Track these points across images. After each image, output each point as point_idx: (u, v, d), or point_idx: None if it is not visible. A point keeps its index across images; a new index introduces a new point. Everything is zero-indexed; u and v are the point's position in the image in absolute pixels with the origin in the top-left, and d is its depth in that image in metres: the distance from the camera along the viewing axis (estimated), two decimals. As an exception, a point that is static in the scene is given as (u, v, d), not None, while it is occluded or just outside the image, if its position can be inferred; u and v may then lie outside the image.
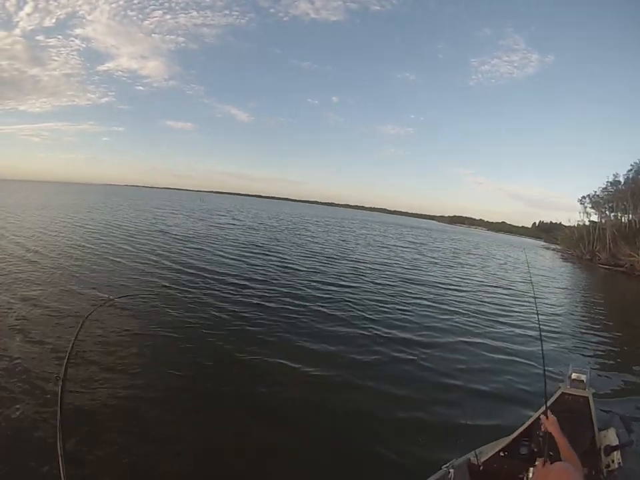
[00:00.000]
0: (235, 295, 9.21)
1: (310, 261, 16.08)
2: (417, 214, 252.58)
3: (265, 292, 9.78)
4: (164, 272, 10.90)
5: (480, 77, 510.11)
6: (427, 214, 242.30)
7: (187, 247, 16.07)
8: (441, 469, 2.57)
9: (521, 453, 2.59)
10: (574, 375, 2.99)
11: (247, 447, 3.75)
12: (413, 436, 4.20)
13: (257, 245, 19.03)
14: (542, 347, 2.85)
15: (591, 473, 2.54)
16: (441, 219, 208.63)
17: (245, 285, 10.35)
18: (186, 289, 9.30)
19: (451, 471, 2.51)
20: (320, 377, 5.41)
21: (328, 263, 15.91)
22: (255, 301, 8.77)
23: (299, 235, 28.80)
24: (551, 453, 2.13)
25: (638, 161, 40.25)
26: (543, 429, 2.27)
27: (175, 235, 19.94)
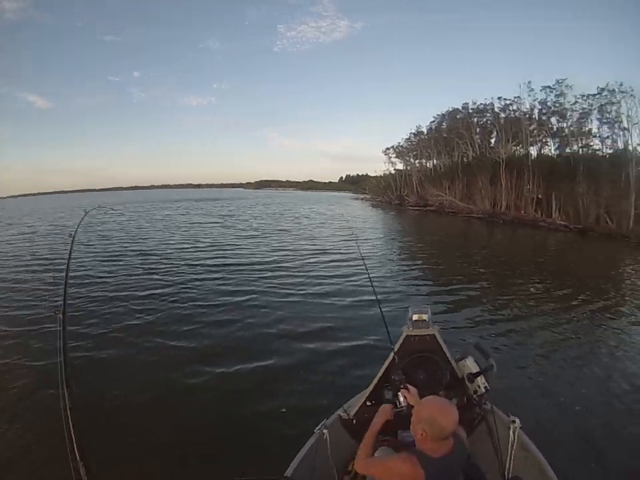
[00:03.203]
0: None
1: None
2: (224, 184, 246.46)
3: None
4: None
5: (285, 42, 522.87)
6: (235, 183, 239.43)
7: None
8: (314, 432, 2.56)
9: (386, 397, 2.59)
10: (415, 317, 2.88)
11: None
12: (275, 409, 4.11)
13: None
14: (374, 290, 3.75)
15: (462, 401, 2.70)
16: (248, 185, 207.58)
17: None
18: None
19: (325, 431, 2.55)
20: (170, 369, 4.95)
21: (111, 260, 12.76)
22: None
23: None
24: None
25: (439, 113, 43.44)
26: (405, 403, 2.31)
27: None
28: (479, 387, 2.62)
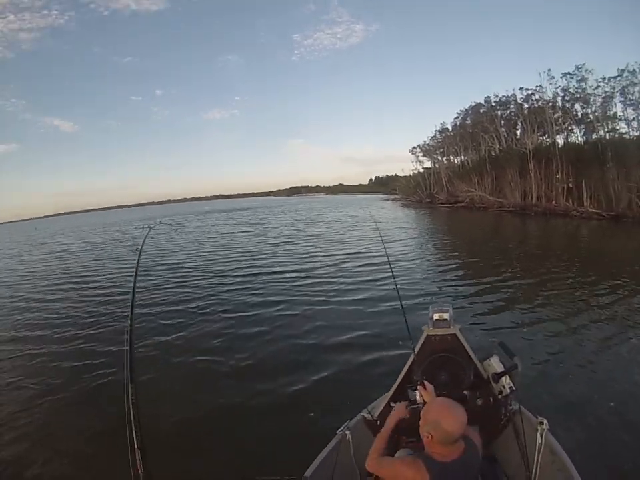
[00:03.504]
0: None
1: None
2: (255, 193, 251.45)
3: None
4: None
5: (303, 51, 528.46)
6: (265, 191, 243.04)
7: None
8: (336, 433, 2.56)
9: (410, 399, 2.51)
10: (435, 316, 2.86)
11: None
12: (303, 411, 4.25)
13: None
14: (398, 293, 3.51)
15: (487, 401, 2.65)
16: (279, 192, 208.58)
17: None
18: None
19: (347, 432, 2.55)
20: (201, 369, 5.55)
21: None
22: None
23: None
24: None
25: (463, 109, 43.48)
26: (420, 400, 2.35)
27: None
28: (504, 387, 2.57)
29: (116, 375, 4.93)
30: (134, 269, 3.04)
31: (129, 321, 2.32)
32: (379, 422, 2.68)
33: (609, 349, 5.51)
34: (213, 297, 9.27)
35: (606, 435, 3.60)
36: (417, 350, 2.79)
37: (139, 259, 3.13)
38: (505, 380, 2.57)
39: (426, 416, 1.69)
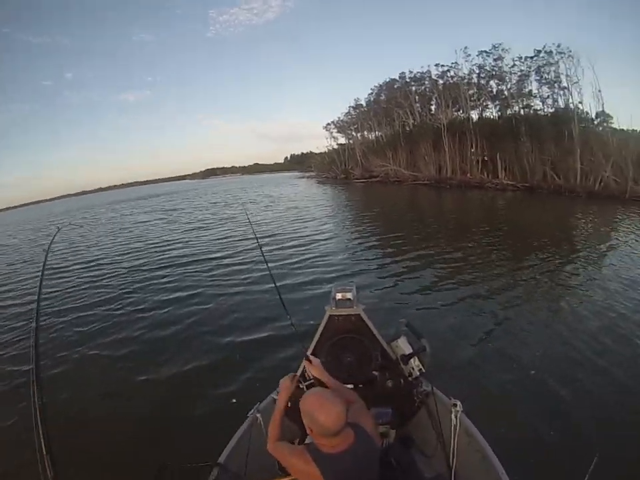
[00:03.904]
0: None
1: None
2: (170, 177, 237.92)
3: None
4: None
5: (218, 27, 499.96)
6: (181, 175, 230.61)
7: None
8: (247, 417, 2.52)
9: (320, 382, 2.21)
10: (338, 295, 2.77)
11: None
12: (214, 398, 4.20)
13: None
14: (273, 281, 2.84)
15: (398, 383, 2.62)
16: (194, 175, 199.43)
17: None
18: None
19: (258, 415, 2.50)
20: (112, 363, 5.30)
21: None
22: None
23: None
24: None
25: (377, 85, 43.06)
26: (309, 376, 2.18)
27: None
28: (413, 369, 2.54)
29: (20, 379, 4.75)
30: (39, 272, 2.48)
31: (33, 324, 1.92)
32: (288, 403, 2.27)
33: (525, 324, 5.39)
34: (126, 295, 8.62)
35: (518, 415, 3.50)
36: (320, 330, 2.71)
37: (44, 264, 2.63)
38: (414, 362, 2.53)
39: (302, 409, 1.58)
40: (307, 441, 1.94)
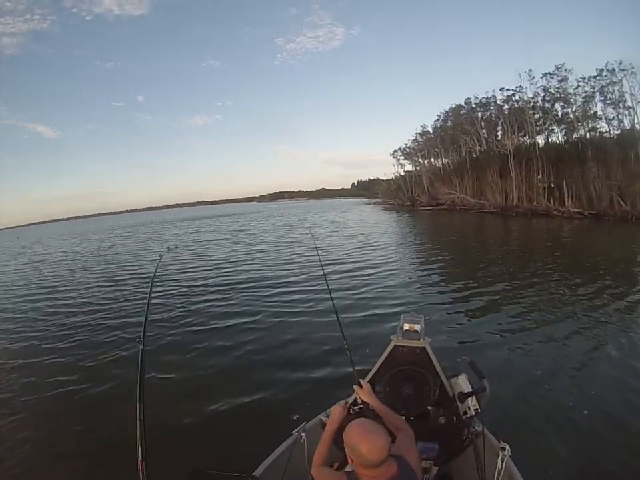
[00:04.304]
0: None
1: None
2: (237, 199, 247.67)
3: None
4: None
5: (285, 55, 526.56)
6: (248, 197, 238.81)
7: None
8: (291, 434, 2.53)
9: (370, 408, 2.20)
10: (406, 326, 2.74)
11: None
12: (264, 413, 4.32)
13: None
14: (334, 305, 3.08)
15: (451, 420, 2.56)
16: (262, 198, 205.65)
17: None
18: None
19: (302, 434, 2.50)
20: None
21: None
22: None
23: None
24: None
25: (443, 111, 43.63)
26: (359, 400, 2.25)
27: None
28: (469, 407, 2.48)
29: (125, 390, 4.96)
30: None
31: (141, 336, 2.13)
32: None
33: (591, 365, 5.09)
34: (182, 316, 8.81)
35: (570, 469, 3.28)
36: (382, 359, 2.73)
37: (151, 287, 2.99)
38: (471, 401, 2.48)
39: (345, 438, 1.60)
40: (347, 468, 1.90)
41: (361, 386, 2.18)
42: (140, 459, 1.44)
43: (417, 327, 2.72)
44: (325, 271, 5.54)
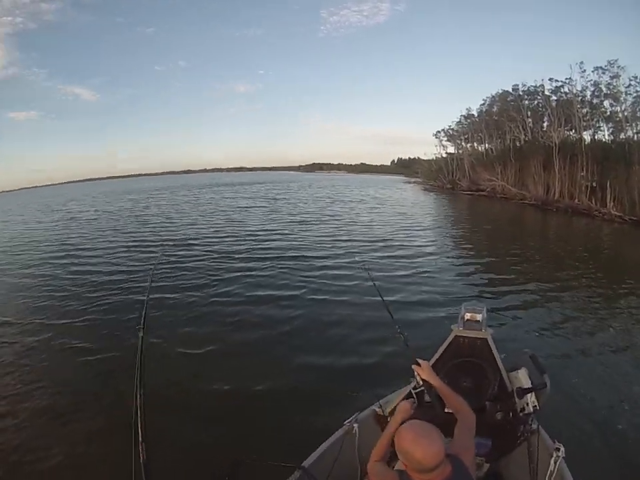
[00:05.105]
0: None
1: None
2: (275, 167, 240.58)
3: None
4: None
5: (329, 27, 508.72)
6: (287, 165, 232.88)
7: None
8: (343, 424, 2.51)
9: (426, 400, 2.35)
10: (467, 315, 2.70)
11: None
12: (311, 401, 4.24)
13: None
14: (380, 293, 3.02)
15: (507, 416, 2.50)
16: (300, 168, 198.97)
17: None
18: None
19: (355, 425, 2.48)
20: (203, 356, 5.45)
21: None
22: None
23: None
24: (447, 411, 2.08)
25: (489, 95, 42.99)
26: (419, 379, 2.15)
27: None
28: (527, 404, 2.40)
29: (125, 369, 4.30)
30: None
31: (144, 309, 2.23)
32: (389, 418, 2.48)
33: None
34: (215, 283, 8.84)
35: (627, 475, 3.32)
36: (443, 349, 2.69)
37: (152, 273, 2.99)
38: (530, 397, 2.41)
39: (397, 443, 1.56)
40: (397, 466, 1.88)
41: (419, 365, 2.13)
42: (139, 439, 1.44)
43: (479, 317, 2.67)
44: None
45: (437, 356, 2.68)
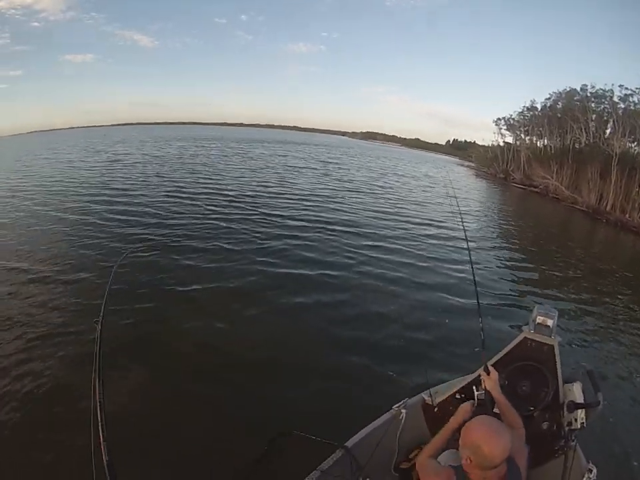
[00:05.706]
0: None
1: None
2: (329, 130, 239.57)
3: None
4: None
5: None
6: (341, 130, 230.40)
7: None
8: (391, 408, 2.54)
9: (479, 398, 2.27)
10: (540, 319, 2.60)
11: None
12: (362, 378, 4.28)
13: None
14: (474, 279, 3.00)
15: (551, 428, 2.48)
16: (354, 135, 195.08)
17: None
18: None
19: (403, 411, 2.49)
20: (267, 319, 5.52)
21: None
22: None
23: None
24: (496, 411, 2.08)
25: (557, 91, 42.20)
26: (483, 386, 2.19)
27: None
28: (575, 419, 2.33)
29: (83, 361, 4.12)
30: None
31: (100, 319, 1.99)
32: (437, 409, 2.58)
33: None
34: (265, 241, 8.69)
35: None
36: (509, 348, 2.60)
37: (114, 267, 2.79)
38: (581, 413, 2.33)
39: (466, 437, 1.55)
40: (451, 462, 1.83)
41: (488, 373, 2.13)
42: (101, 440, 1.37)
43: (550, 323, 2.56)
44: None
45: (501, 354, 2.61)
